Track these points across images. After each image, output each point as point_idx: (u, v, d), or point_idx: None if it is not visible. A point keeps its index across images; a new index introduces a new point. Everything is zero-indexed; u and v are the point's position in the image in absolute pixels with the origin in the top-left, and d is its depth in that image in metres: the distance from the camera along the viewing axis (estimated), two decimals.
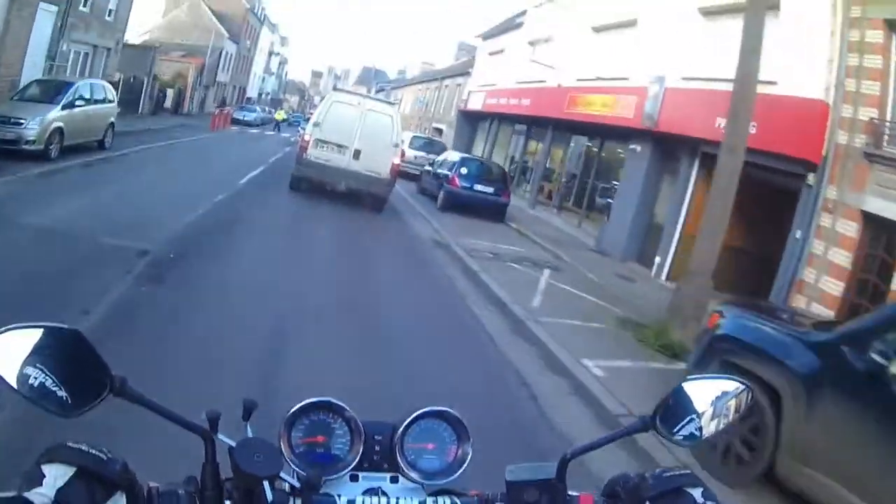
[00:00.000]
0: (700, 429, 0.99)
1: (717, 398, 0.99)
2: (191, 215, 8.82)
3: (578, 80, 16.52)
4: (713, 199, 7.66)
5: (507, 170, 19.44)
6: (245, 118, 37.79)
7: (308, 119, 23.31)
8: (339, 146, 12.58)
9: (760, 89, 7.72)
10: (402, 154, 15.02)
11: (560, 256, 12.37)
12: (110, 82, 16.19)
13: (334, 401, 1.07)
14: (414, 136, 24.86)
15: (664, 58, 12.88)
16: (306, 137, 12.76)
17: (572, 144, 18.37)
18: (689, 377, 1.04)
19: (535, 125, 20.54)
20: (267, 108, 48.99)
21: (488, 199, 16.07)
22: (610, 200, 15.50)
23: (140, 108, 25.10)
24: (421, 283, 8.70)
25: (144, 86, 25.76)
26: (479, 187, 16.09)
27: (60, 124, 11.45)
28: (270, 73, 67.49)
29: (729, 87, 7.85)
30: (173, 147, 18.35)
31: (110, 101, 14.14)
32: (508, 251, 11.73)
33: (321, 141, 12.60)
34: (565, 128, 17.82)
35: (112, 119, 14.09)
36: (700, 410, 0.99)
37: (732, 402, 1.00)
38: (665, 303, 8.04)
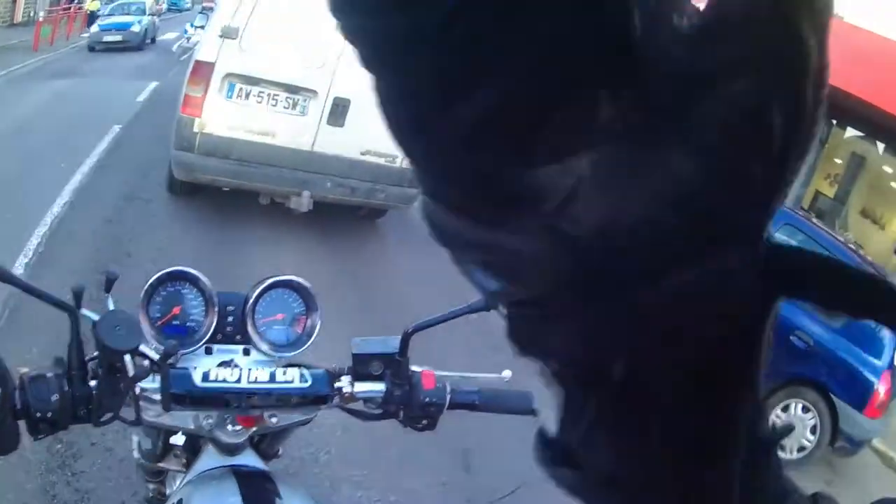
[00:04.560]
0: None
1: None
2: None
3: None
4: None
5: None
6: (105, 39, 15.52)
7: (205, 7, 11.91)
8: (294, 92, 4.69)
9: None
10: None
11: None
12: None
13: (189, 270, 1.03)
14: None
15: None
16: (202, 72, 4.49)
17: None
18: None
19: None
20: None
21: None
22: None
23: None
24: None
25: None
26: None
27: None
28: None
29: None
30: None
31: None
32: None
33: (243, 79, 4.52)
34: None
35: None
36: None
37: None
38: None
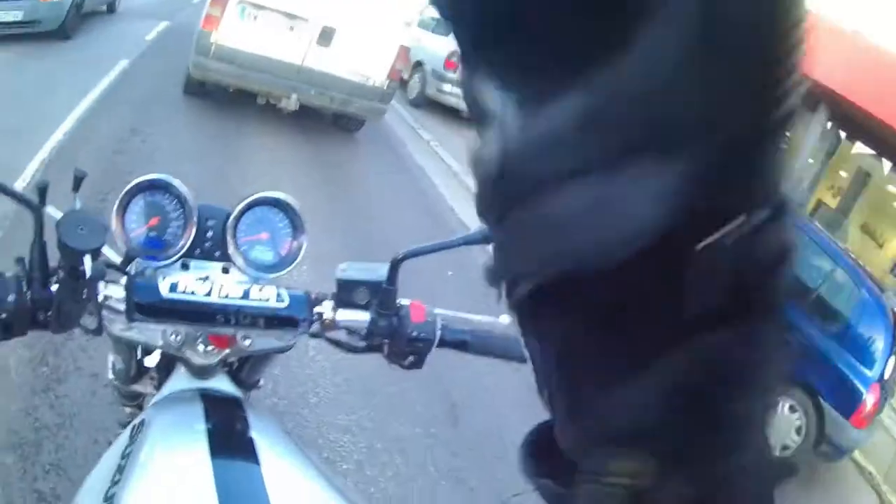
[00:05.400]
0: None
1: None
2: None
3: None
4: None
5: None
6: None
7: None
8: (292, 18, 5.72)
9: None
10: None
11: None
12: None
13: (170, 179, 0.94)
14: None
15: None
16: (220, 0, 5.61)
17: None
18: None
19: None
20: None
21: None
22: None
23: None
24: None
25: None
26: None
27: None
28: None
29: None
30: None
31: None
32: None
33: (253, 5, 5.59)
34: None
35: None
36: None
37: None
38: None
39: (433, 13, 10.38)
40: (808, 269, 4.64)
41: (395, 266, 0.93)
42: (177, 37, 9.64)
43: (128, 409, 1.24)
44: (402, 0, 6.20)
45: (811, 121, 9.13)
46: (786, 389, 4.08)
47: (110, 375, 1.16)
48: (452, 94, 9.59)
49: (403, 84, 10.67)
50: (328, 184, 5.57)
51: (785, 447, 4.16)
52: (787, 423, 4.17)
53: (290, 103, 6.02)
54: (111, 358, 1.14)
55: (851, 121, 8.60)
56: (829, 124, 8.87)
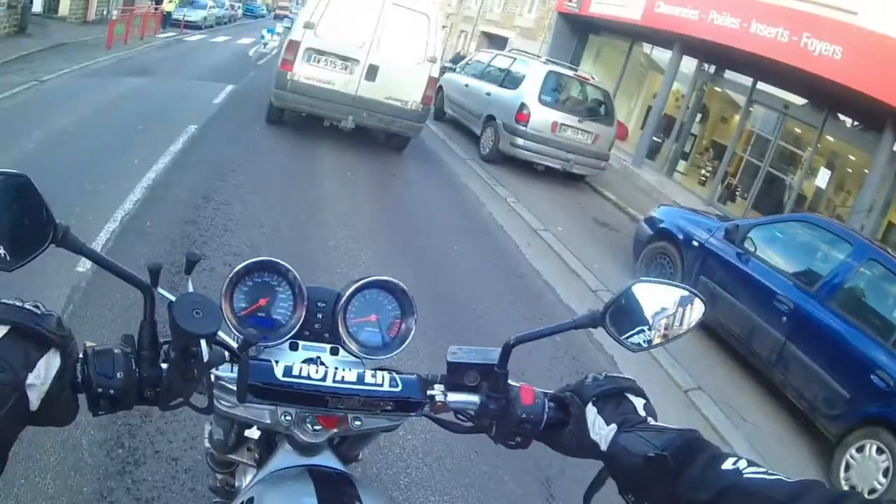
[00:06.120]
0: (649, 341, 0.92)
1: (669, 306, 0.92)
2: None
3: None
4: None
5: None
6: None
7: (280, 16, 18.41)
8: (345, 60, 8.06)
9: None
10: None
11: None
12: None
13: (280, 261, 0.99)
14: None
15: None
16: (293, 47, 7.95)
17: None
18: (641, 279, 0.95)
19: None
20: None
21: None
22: None
23: None
24: None
25: None
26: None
27: None
28: None
29: None
30: None
31: None
32: None
33: (316, 52, 7.96)
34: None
35: None
36: (649, 316, 0.92)
37: (684, 312, 0.92)
38: None
39: (501, 63, 10.61)
40: (894, 306, 4.66)
41: (506, 350, 0.93)
42: (247, 103, 9.98)
43: (219, 476, 1.27)
44: (431, 40, 8.22)
45: (879, 142, 8.84)
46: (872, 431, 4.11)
47: (206, 444, 1.19)
48: (526, 148, 9.65)
49: (441, 115, 11.90)
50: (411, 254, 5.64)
51: (872, 490, 4.03)
52: (873, 464, 4.06)
53: (348, 123, 8.26)
54: (208, 427, 1.17)
55: None
56: None
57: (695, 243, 5.97)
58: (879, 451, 4.06)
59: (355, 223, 5.93)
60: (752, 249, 5.53)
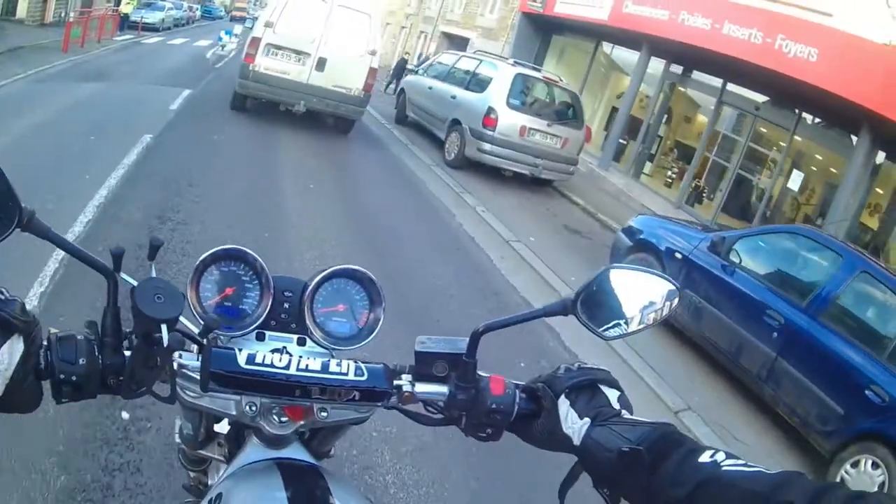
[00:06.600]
0: (623, 327, 0.90)
1: (643, 294, 0.90)
2: None
3: None
4: None
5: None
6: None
7: (238, 17, 20.07)
8: (299, 53, 9.23)
9: None
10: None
11: None
12: None
13: (247, 250, 0.97)
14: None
15: None
16: (255, 42, 9.12)
17: None
18: (613, 265, 0.91)
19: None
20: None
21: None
22: None
23: None
24: None
25: None
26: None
27: None
28: None
29: None
30: None
31: None
32: None
33: (274, 47, 9.12)
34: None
35: None
36: (623, 303, 0.89)
37: (658, 298, 0.90)
38: None
39: (467, 65, 10.41)
40: (887, 319, 4.61)
41: (475, 339, 0.91)
42: (202, 105, 9.78)
43: (192, 473, 1.25)
44: (372, 36, 9.35)
45: (853, 144, 8.87)
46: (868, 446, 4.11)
47: (177, 440, 1.17)
48: (493, 153, 9.39)
49: (403, 118, 12.52)
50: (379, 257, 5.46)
51: None
52: (869, 479, 4.03)
53: (300, 108, 9.38)
54: (179, 422, 1.15)
55: (893, 141, 8.35)
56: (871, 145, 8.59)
57: (678, 255, 5.73)
58: (875, 465, 4.04)
59: (320, 242, 5.55)
60: (738, 261, 5.37)
